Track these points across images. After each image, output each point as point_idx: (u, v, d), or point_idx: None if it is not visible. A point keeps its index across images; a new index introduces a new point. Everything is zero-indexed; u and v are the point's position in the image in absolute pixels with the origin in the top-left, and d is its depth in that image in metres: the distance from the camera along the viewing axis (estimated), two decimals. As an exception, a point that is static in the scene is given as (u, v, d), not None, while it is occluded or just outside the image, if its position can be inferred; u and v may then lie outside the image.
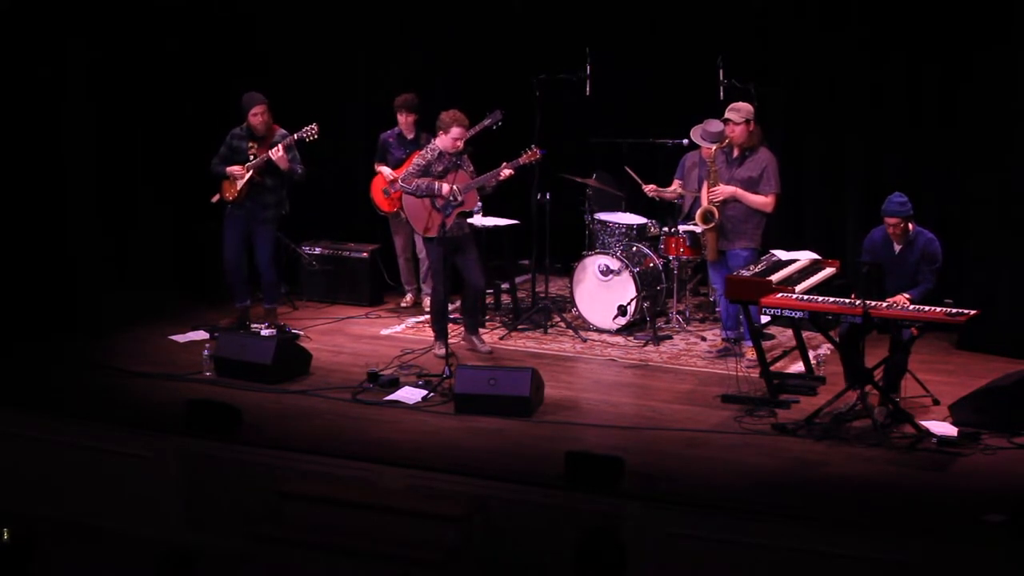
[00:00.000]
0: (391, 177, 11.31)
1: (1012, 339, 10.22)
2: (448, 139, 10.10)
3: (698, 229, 10.62)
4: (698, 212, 10.16)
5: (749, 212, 10.06)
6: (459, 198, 10.09)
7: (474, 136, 10.64)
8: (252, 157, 10.63)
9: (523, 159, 10.25)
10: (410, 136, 11.36)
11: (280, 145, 10.52)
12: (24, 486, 8.98)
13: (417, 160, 10.26)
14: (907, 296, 8.87)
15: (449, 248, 10.16)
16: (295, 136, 10.62)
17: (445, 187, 10.05)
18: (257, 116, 10.60)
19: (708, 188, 10.09)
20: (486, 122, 10.84)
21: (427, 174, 10.14)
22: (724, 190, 10.02)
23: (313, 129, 10.66)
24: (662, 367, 10.21)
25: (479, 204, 10.74)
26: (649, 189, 11.26)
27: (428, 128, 11.27)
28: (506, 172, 10.20)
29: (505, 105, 10.99)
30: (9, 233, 10.88)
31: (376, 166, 11.53)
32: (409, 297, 11.71)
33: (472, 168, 10.30)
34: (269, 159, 10.53)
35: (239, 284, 10.97)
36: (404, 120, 11.33)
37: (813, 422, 8.78)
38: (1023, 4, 10.10)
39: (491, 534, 7.95)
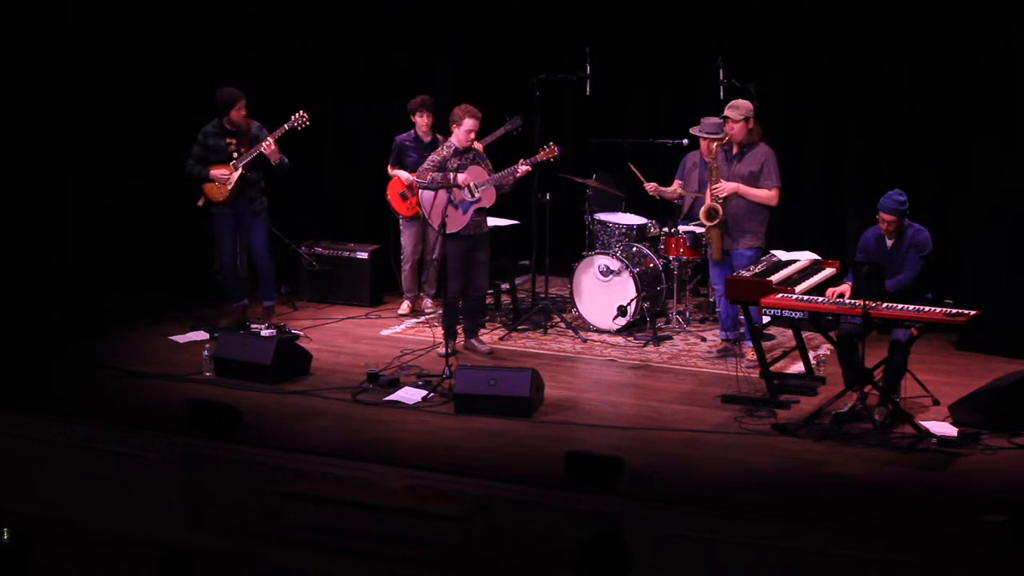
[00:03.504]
0: (409, 180, 11.30)
1: (1012, 339, 10.22)
2: (461, 132, 10.11)
3: (699, 229, 10.63)
4: (702, 209, 10.15)
5: (752, 209, 10.05)
6: (476, 194, 10.09)
7: (492, 142, 10.68)
8: (235, 155, 10.60)
9: (541, 156, 10.27)
10: (427, 139, 11.32)
11: (270, 138, 10.47)
12: (24, 486, 8.98)
13: (432, 156, 10.24)
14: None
15: (467, 246, 10.17)
16: (286, 127, 10.55)
17: (461, 176, 10.04)
18: (242, 111, 10.56)
19: (710, 185, 10.08)
20: (506, 127, 10.82)
21: (443, 170, 10.14)
22: (727, 186, 10.01)
23: (304, 116, 10.59)
24: (662, 367, 10.21)
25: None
26: (650, 187, 11.24)
27: (441, 131, 11.27)
28: (523, 168, 10.20)
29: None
30: (9, 233, 10.88)
31: (390, 169, 11.47)
32: (407, 305, 11.68)
33: (490, 167, 10.30)
34: (260, 153, 10.49)
35: (235, 284, 10.97)
36: (422, 121, 11.28)
37: (813, 422, 8.78)
38: (1021, 4, 10.11)
39: (491, 534, 7.95)
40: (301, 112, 10.59)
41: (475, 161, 10.19)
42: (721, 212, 10.02)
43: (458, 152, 10.16)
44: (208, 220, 10.94)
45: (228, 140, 10.62)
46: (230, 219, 10.77)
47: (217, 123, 10.64)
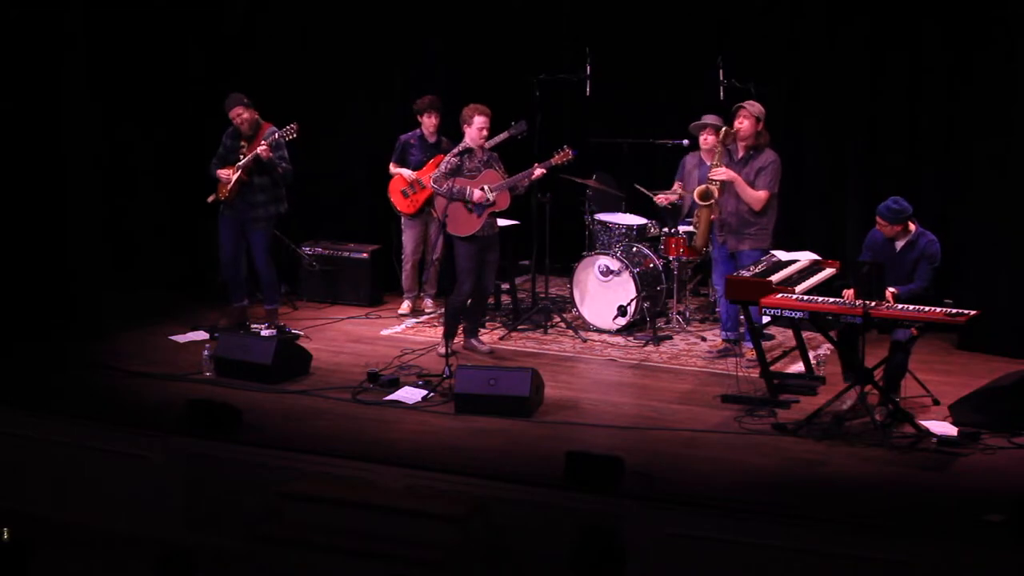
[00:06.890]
0: (412, 179, 11.28)
1: (1012, 339, 10.22)
2: (473, 131, 10.07)
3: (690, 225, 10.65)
4: (697, 189, 10.14)
5: (756, 210, 10.03)
6: (491, 198, 10.08)
7: (495, 146, 10.68)
8: (242, 157, 10.64)
9: (555, 159, 10.29)
10: (432, 140, 11.32)
11: (266, 143, 10.51)
12: (24, 486, 8.98)
13: (449, 159, 10.19)
14: (892, 291, 8.87)
15: (480, 246, 10.16)
16: (277, 136, 10.59)
17: (476, 193, 10.02)
18: (238, 117, 10.61)
19: (711, 169, 10.05)
20: (510, 132, 10.82)
21: (458, 173, 10.11)
22: (725, 171, 9.94)
23: (293, 128, 10.62)
24: (662, 367, 10.21)
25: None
26: (660, 199, 11.22)
27: (446, 133, 11.25)
28: (538, 172, 10.22)
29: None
30: (9, 232, 10.88)
31: (392, 167, 11.47)
32: (407, 305, 11.67)
33: (503, 169, 10.29)
34: (258, 157, 10.53)
35: (236, 283, 10.98)
36: (429, 122, 11.27)
37: (813, 422, 8.78)
38: (1022, 4, 10.11)
39: (491, 534, 7.96)
40: (293, 125, 10.61)
41: (489, 164, 10.17)
42: (716, 194, 9.99)
43: (472, 154, 10.14)
44: (214, 220, 10.95)
45: (241, 143, 10.69)
46: (230, 221, 10.81)
47: (233, 127, 10.73)
